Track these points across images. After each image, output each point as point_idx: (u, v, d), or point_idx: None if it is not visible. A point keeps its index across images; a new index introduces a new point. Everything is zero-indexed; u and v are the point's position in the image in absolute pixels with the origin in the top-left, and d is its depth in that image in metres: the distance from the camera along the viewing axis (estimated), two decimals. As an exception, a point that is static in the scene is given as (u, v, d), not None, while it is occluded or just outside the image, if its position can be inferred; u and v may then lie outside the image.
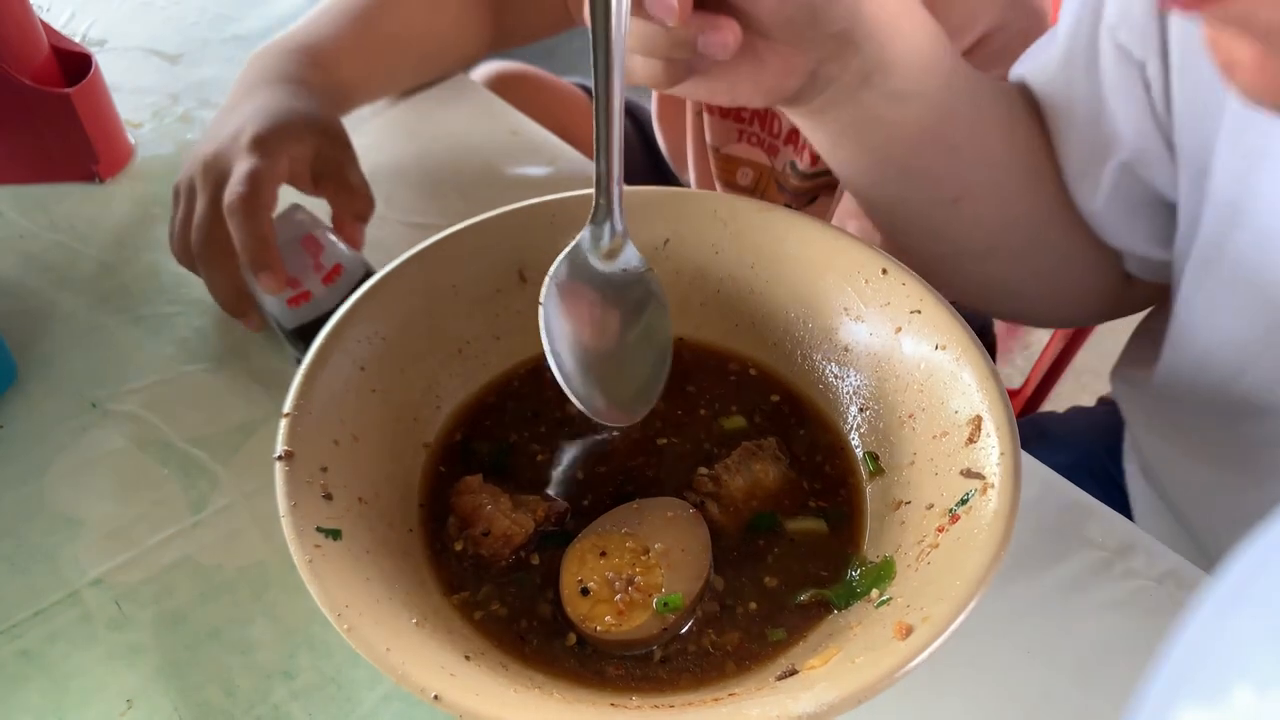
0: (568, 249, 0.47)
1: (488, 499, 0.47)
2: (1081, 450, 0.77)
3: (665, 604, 0.44)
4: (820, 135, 0.54)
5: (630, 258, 0.48)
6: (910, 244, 0.60)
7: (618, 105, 0.44)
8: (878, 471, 0.49)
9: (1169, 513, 0.64)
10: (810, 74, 0.47)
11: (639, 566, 0.45)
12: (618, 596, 0.44)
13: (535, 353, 0.55)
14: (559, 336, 0.46)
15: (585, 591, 0.44)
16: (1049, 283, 0.63)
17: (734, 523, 0.48)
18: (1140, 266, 0.60)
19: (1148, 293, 0.64)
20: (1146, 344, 0.63)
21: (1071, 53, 0.55)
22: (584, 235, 0.47)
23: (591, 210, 0.47)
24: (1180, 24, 0.49)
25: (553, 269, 0.46)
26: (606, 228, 0.47)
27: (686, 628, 0.44)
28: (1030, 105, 0.58)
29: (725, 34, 0.44)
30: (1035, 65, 0.58)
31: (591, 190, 0.46)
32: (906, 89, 0.50)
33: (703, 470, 0.49)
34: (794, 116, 0.53)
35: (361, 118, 0.77)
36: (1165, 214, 0.57)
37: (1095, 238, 0.59)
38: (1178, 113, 0.51)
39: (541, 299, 0.46)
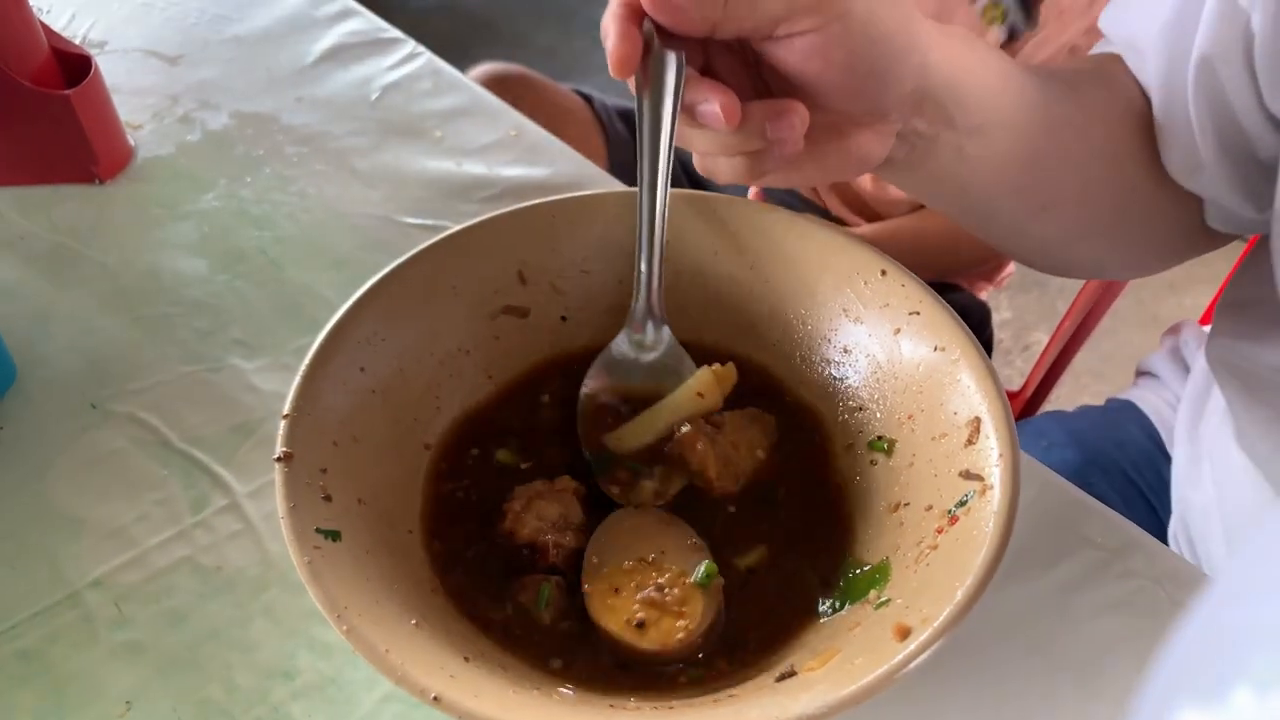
0: (604, 354, 0.50)
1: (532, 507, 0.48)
2: (1092, 447, 0.77)
3: (706, 575, 0.44)
4: (910, 184, 0.54)
5: (665, 342, 0.51)
6: (1000, 245, 0.63)
7: (660, 211, 0.46)
8: (888, 453, 0.49)
9: (1268, 485, 0.63)
10: (899, 135, 0.48)
11: (654, 573, 0.45)
12: (668, 603, 0.44)
13: (535, 353, 0.55)
14: (596, 427, 0.49)
15: (641, 625, 0.44)
16: (1131, 246, 0.64)
17: (726, 480, 0.49)
18: (1223, 219, 0.60)
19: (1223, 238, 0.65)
20: (1241, 318, 0.63)
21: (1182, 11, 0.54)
22: (621, 339, 0.50)
23: (631, 312, 0.50)
24: None
25: (591, 372, 0.50)
26: (648, 327, 0.50)
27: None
28: (1106, 79, 0.58)
29: (791, 118, 0.44)
30: (1140, 23, 0.57)
31: (589, 192, 0.47)
32: (986, 121, 0.50)
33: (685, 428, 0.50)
34: (885, 176, 0.53)
35: (361, 117, 0.77)
36: (1258, 172, 0.56)
37: (1177, 194, 0.59)
38: None
39: (580, 403, 0.49)
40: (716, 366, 0.51)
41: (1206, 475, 0.67)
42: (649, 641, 0.43)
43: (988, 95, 0.50)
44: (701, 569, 0.45)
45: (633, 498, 0.48)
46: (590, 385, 0.51)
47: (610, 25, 0.44)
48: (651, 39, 0.44)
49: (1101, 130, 0.57)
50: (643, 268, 0.48)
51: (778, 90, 0.46)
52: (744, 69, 0.47)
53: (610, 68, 0.44)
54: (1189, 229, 0.62)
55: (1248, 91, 0.52)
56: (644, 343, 0.51)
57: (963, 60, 0.48)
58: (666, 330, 0.51)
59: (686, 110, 0.44)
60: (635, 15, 0.44)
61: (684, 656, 0.43)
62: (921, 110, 0.47)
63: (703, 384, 0.50)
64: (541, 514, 0.47)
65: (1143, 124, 0.57)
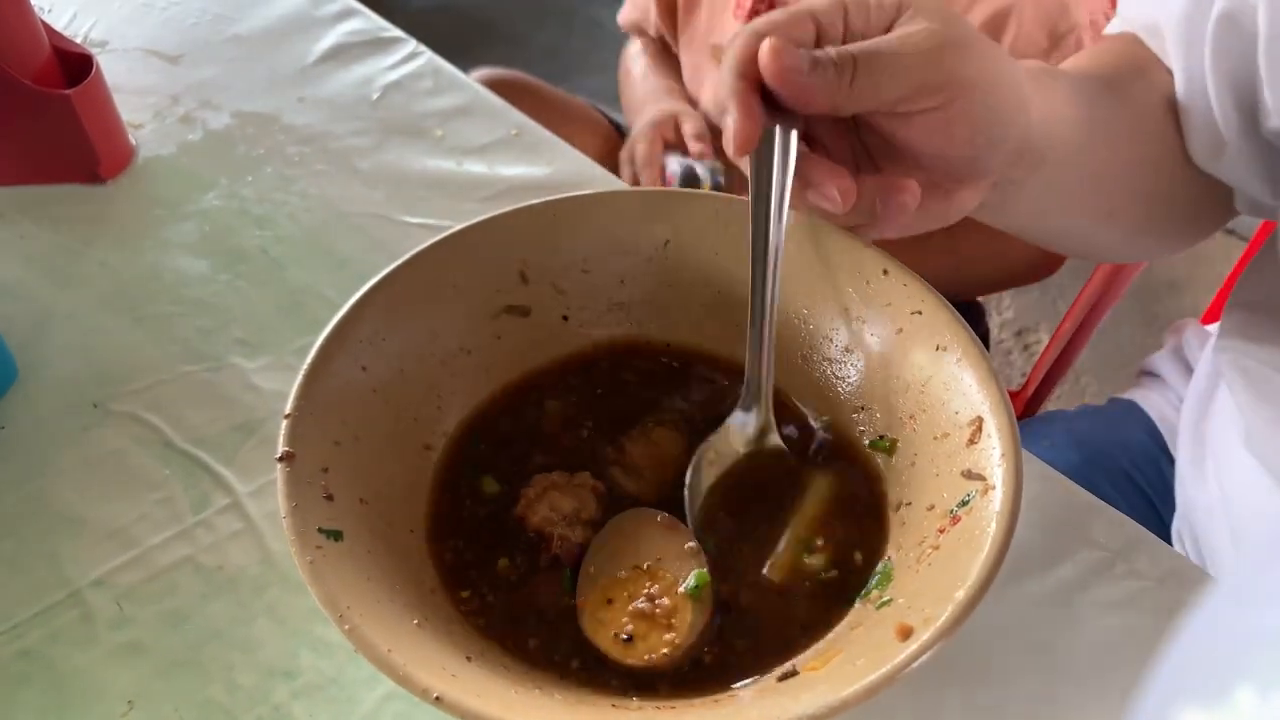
0: (715, 435, 0.49)
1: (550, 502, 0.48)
2: (1093, 448, 0.77)
3: (695, 587, 0.44)
4: (997, 219, 0.54)
5: (773, 441, 0.49)
6: (1070, 253, 0.66)
7: (770, 311, 0.45)
8: (890, 452, 0.49)
9: (1275, 484, 0.63)
10: (994, 184, 0.48)
11: (646, 582, 0.45)
12: (657, 615, 0.44)
13: (535, 353, 0.55)
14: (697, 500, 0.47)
15: (629, 639, 0.44)
16: (1182, 231, 0.65)
17: (648, 490, 0.49)
18: (1249, 206, 0.61)
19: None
20: (1250, 319, 0.63)
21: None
22: (722, 434, 0.49)
23: (741, 400, 0.49)
24: None
25: (701, 448, 0.49)
26: (754, 417, 0.48)
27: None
28: (1139, 71, 0.58)
29: (904, 197, 0.44)
30: (1162, 9, 0.57)
31: (590, 191, 0.47)
32: (1065, 154, 0.50)
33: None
34: (977, 215, 0.52)
35: (362, 116, 0.77)
36: (1275, 159, 0.56)
37: (1209, 181, 0.60)
38: None
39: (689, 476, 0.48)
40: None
41: (1211, 475, 0.67)
42: (634, 657, 0.43)
43: (1068, 127, 0.50)
44: (692, 578, 0.44)
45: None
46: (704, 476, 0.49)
47: (730, 100, 0.42)
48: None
49: (1150, 125, 0.57)
50: (753, 369, 0.47)
51: (877, 152, 0.46)
52: (845, 133, 0.47)
53: (731, 147, 0.42)
54: (1222, 207, 0.63)
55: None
56: (749, 430, 0.49)
57: (1051, 106, 0.48)
58: (776, 438, 0.49)
59: (800, 186, 0.44)
60: (755, 87, 0.42)
61: (671, 668, 0.43)
62: (1020, 161, 0.47)
63: (827, 487, 0.49)
64: (554, 505, 0.47)
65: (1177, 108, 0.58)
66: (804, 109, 0.42)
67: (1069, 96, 0.51)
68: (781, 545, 0.46)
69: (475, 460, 0.51)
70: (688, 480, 0.48)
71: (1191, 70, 0.56)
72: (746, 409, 0.49)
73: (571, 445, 0.52)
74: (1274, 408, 0.60)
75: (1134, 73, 0.58)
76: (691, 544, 0.46)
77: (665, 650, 0.43)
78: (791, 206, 0.44)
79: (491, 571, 0.47)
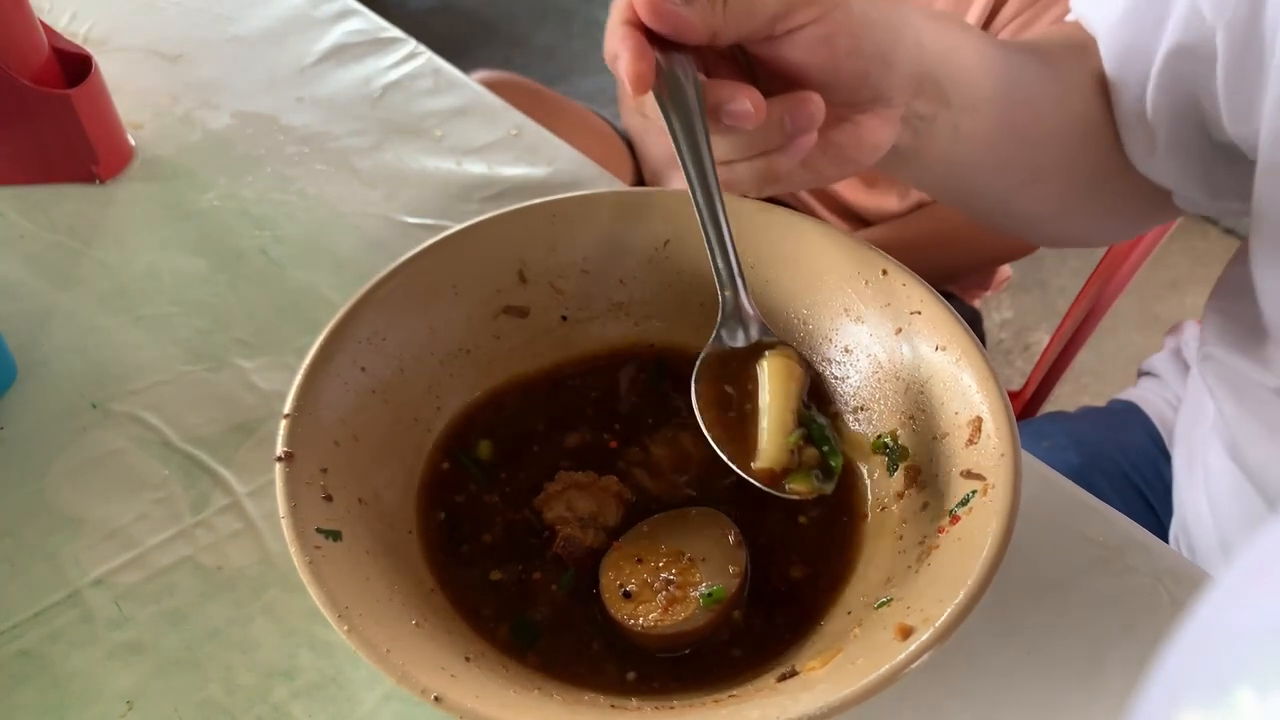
0: (705, 350, 0.48)
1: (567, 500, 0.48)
2: (1093, 449, 0.77)
3: (709, 595, 0.44)
4: (911, 172, 0.55)
5: (758, 330, 0.49)
6: (985, 221, 0.64)
7: (721, 207, 0.46)
8: (901, 456, 0.49)
9: (1257, 495, 0.63)
10: (903, 119, 0.48)
11: (675, 569, 0.45)
12: (660, 595, 0.44)
13: (535, 353, 0.55)
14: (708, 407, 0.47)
15: (627, 594, 0.44)
16: (1110, 215, 0.65)
17: (667, 491, 0.49)
18: (1186, 203, 0.61)
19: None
20: (1227, 326, 0.63)
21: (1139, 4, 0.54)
22: (718, 335, 0.49)
23: (720, 309, 0.48)
24: None
25: (697, 366, 0.48)
26: (736, 322, 0.48)
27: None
28: (1078, 49, 0.58)
29: (809, 105, 0.44)
30: (1097, 10, 0.58)
31: (589, 192, 0.47)
32: (978, 95, 0.50)
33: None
34: (888, 168, 0.53)
35: (361, 116, 0.77)
36: (1218, 164, 0.57)
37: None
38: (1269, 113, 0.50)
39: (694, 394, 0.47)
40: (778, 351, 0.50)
41: (1200, 482, 0.67)
42: (620, 611, 0.44)
43: (976, 70, 0.50)
44: (705, 587, 0.44)
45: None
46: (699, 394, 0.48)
47: (619, 45, 0.44)
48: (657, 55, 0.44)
49: (1078, 100, 0.58)
50: (719, 264, 0.47)
51: (774, 92, 0.46)
52: (743, 79, 0.47)
53: (629, 86, 0.43)
54: (1163, 199, 0.63)
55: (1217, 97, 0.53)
56: (738, 338, 0.49)
57: (951, 38, 0.49)
58: (762, 325, 0.49)
59: (712, 114, 0.44)
60: (640, 30, 0.44)
61: (640, 644, 0.44)
62: (922, 90, 0.48)
63: (781, 367, 0.49)
64: (572, 504, 0.47)
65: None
66: (687, 40, 0.44)
67: (981, 47, 0.52)
68: (763, 438, 0.46)
69: (474, 460, 0.51)
70: (695, 400, 0.47)
71: (1126, 82, 0.56)
72: (730, 318, 0.48)
73: (578, 446, 0.52)
74: (1258, 421, 0.60)
75: (1070, 50, 0.59)
76: (735, 568, 0.45)
77: (646, 625, 0.43)
78: (714, 133, 0.45)
79: (491, 571, 0.47)
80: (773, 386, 0.47)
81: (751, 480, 0.45)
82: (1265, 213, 0.53)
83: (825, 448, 0.47)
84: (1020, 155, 0.56)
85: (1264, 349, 0.58)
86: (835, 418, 0.50)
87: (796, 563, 0.47)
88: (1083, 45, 0.59)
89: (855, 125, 0.47)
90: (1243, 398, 0.61)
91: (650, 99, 0.45)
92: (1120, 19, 0.56)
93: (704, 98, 0.45)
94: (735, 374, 0.48)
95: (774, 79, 0.46)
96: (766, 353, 0.49)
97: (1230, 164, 0.57)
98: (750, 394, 0.48)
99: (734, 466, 0.45)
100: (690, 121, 0.45)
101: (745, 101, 0.44)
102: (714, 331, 0.49)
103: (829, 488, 0.46)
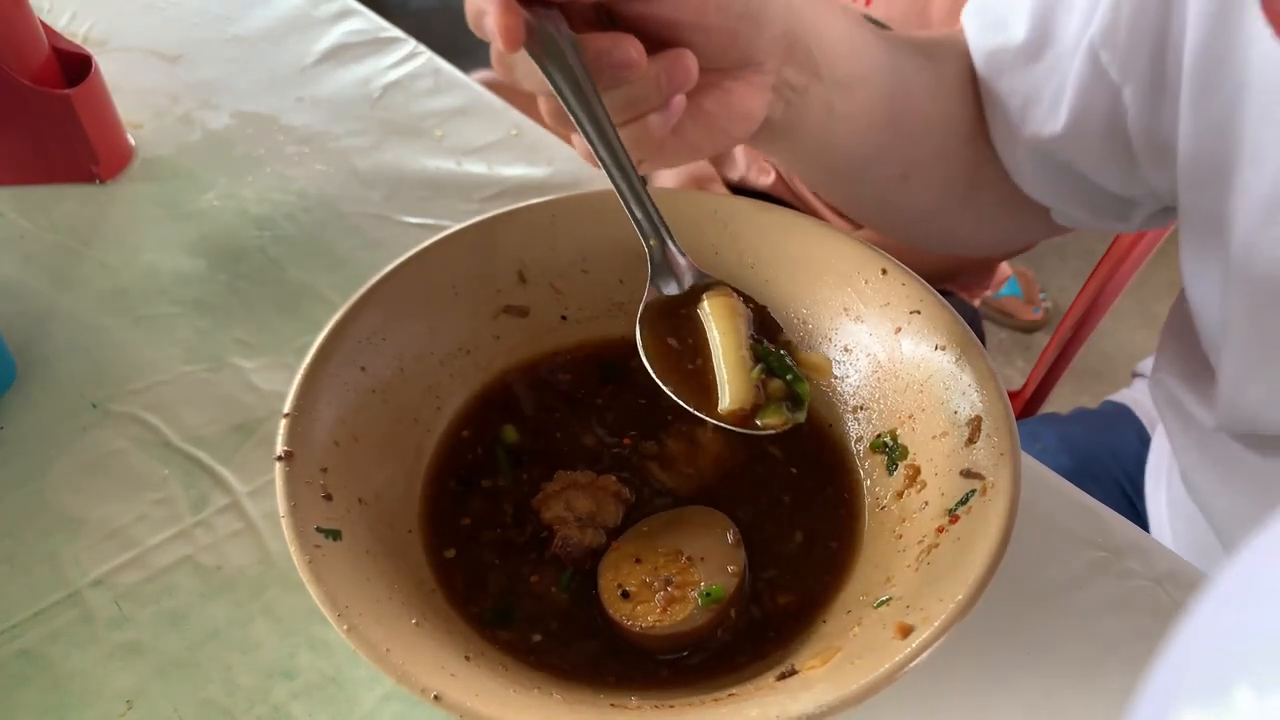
0: (644, 301, 0.47)
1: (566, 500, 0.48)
2: (1084, 453, 0.77)
3: (708, 594, 0.44)
4: (787, 153, 0.55)
5: (693, 275, 0.48)
6: (865, 218, 0.64)
7: (623, 157, 0.45)
8: (901, 455, 0.48)
9: (1204, 520, 0.63)
10: (774, 89, 0.48)
11: (675, 568, 0.45)
12: (658, 595, 0.44)
13: (535, 352, 0.55)
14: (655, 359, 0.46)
15: (625, 594, 0.44)
16: (986, 222, 0.65)
17: (685, 486, 0.49)
18: (1065, 219, 0.62)
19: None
20: (1178, 355, 0.62)
21: (1036, 46, 0.54)
22: (653, 285, 0.48)
23: (648, 260, 0.47)
24: (1198, 59, 0.47)
25: (638, 318, 0.47)
26: (668, 271, 0.47)
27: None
28: (959, 55, 0.59)
29: (684, 59, 0.44)
30: (989, 35, 0.57)
31: (589, 191, 0.47)
32: (851, 73, 0.51)
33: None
34: (762, 146, 0.53)
35: (361, 116, 0.77)
36: (1088, 186, 0.58)
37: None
38: (1185, 152, 0.50)
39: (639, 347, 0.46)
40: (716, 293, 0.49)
41: (1164, 502, 0.68)
42: (617, 611, 0.44)
43: (849, 47, 0.51)
44: (707, 589, 0.44)
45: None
46: (643, 343, 0.47)
47: (484, 3, 0.42)
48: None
49: (956, 98, 0.58)
50: (637, 214, 0.46)
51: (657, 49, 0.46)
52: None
53: (500, 43, 0.41)
54: (1042, 211, 0.63)
55: (1111, 161, 0.54)
56: (670, 288, 0.48)
57: (822, 11, 0.49)
58: (695, 269, 0.48)
59: (594, 69, 0.44)
60: None
61: (639, 644, 0.44)
62: (792, 57, 0.48)
63: (722, 306, 0.48)
64: (570, 503, 0.47)
65: None
66: None
67: (855, 25, 0.52)
68: (724, 379, 0.46)
69: (475, 460, 0.51)
70: (641, 352, 0.46)
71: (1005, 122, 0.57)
72: (659, 267, 0.48)
73: (580, 446, 0.52)
74: (1199, 452, 0.60)
75: (954, 53, 0.59)
76: (733, 567, 0.45)
77: (645, 626, 0.43)
78: (600, 89, 0.44)
79: (490, 570, 0.47)
80: (721, 326, 0.46)
81: (723, 425, 0.44)
82: (1191, 223, 0.53)
83: (789, 376, 0.46)
84: (897, 145, 0.56)
85: (1208, 386, 0.57)
86: (787, 345, 0.48)
87: (796, 562, 0.47)
88: (965, 49, 0.59)
89: (725, 92, 0.47)
90: (1188, 428, 0.61)
91: (527, 61, 0.44)
92: (1014, 54, 0.55)
93: (582, 52, 0.44)
94: (680, 323, 0.47)
95: (641, 41, 0.45)
96: (704, 295, 0.47)
97: (1113, 187, 0.57)
98: (700, 340, 0.47)
99: (700, 414, 0.44)
100: (573, 76, 0.43)
101: (629, 49, 0.43)
102: (646, 283, 0.47)
103: (801, 416, 0.45)
